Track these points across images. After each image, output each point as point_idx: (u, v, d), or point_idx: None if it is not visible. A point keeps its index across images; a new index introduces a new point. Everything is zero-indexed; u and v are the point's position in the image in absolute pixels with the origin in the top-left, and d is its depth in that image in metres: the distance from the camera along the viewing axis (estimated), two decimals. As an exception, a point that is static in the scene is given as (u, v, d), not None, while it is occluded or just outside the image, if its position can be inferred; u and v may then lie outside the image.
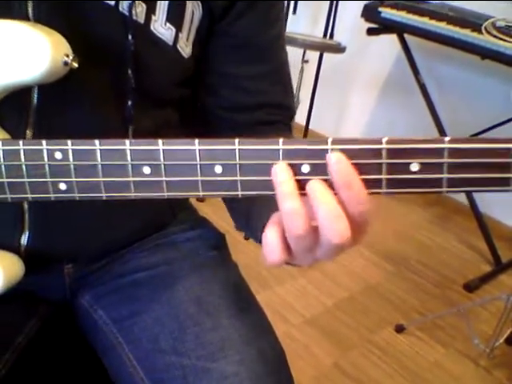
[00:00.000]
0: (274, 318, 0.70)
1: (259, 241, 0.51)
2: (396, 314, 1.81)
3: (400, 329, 1.72)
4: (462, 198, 2.32)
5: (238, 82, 0.69)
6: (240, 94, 0.69)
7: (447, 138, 0.39)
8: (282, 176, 0.41)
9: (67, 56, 0.51)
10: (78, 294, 0.72)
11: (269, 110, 0.71)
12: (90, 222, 0.65)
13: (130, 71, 0.59)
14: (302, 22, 2.88)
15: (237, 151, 0.42)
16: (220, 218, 0.81)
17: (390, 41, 2.29)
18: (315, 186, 0.41)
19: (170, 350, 0.63)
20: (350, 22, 2.56)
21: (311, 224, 0.41)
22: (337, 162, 0.40)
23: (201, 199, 0.61)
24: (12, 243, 0.62)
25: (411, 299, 1.91)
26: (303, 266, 0.48)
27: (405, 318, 1.78)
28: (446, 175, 0.40)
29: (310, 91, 2.77)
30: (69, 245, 0.66)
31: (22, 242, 0.62)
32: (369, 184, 0.41)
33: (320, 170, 0.41)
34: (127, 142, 0.44)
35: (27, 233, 0.62)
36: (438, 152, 0.39)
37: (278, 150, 0.42)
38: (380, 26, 2.14)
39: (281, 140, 0.42)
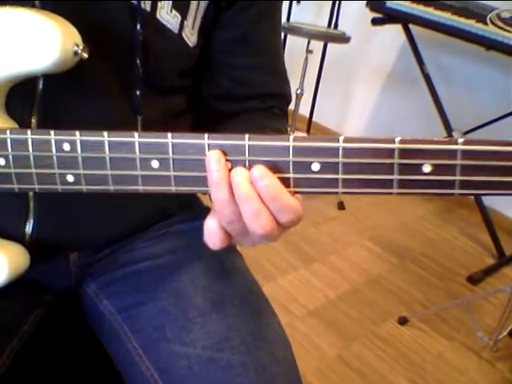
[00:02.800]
0: (277, 310, 0.70)
1: None
2: (399, 306, 1.81)
3: (403, 321, 1.72)
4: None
5: (235, 73, 0.70)
6: (237, 84, 0.70)
7: (461, 140, 0.38)
8: (213, 165, 0.42)
9: (77, 46, 0.50)
10: (83, 283, 0.72)
11: (264, 98, 0.72)
12: (94, 210, 0.65)
13: (138, 60, 0.59)
14: (307, 12, 2.86)
15: (246, 146, 0.42)
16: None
17: (395, 31, 2.28)
18: (236, 182, 0.42)
19: (175, 340, 0.62)
20: (355, 11, 2.55)
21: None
22: (261, 177, 0.42)
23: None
24: (17, 231, 0.62)
25: (415, 292, 1.91)
26: (247, 246, 0.49)
27: (408, 311, 1.78)
28: (458, 177, 0.39)
29: (314, 81, 2.76)
30: (73, 233, 0.66)
31: (26, 230, 0.62)
32: (380, 184, 0.40)
33: (330, 167, 0.41)
34: (136, 134, 0.43)
35: (32, 221, 0.62)
36: (451, 153, 0.38)
37: (288, 146, 0.41)
38: (385, 16, 2.14)
39: (291, 137, 0.41)
